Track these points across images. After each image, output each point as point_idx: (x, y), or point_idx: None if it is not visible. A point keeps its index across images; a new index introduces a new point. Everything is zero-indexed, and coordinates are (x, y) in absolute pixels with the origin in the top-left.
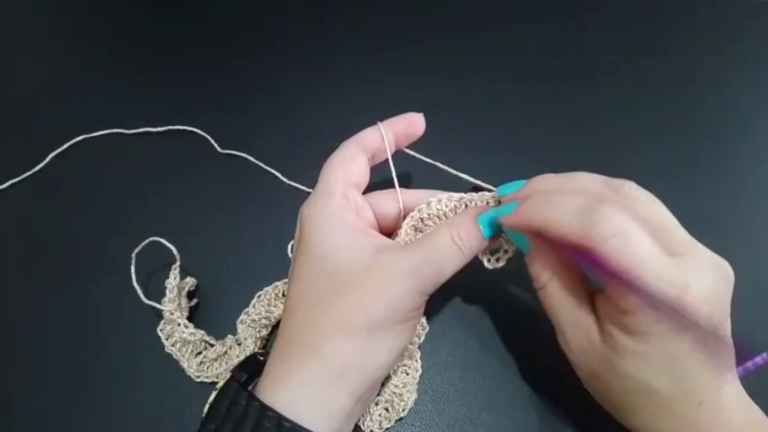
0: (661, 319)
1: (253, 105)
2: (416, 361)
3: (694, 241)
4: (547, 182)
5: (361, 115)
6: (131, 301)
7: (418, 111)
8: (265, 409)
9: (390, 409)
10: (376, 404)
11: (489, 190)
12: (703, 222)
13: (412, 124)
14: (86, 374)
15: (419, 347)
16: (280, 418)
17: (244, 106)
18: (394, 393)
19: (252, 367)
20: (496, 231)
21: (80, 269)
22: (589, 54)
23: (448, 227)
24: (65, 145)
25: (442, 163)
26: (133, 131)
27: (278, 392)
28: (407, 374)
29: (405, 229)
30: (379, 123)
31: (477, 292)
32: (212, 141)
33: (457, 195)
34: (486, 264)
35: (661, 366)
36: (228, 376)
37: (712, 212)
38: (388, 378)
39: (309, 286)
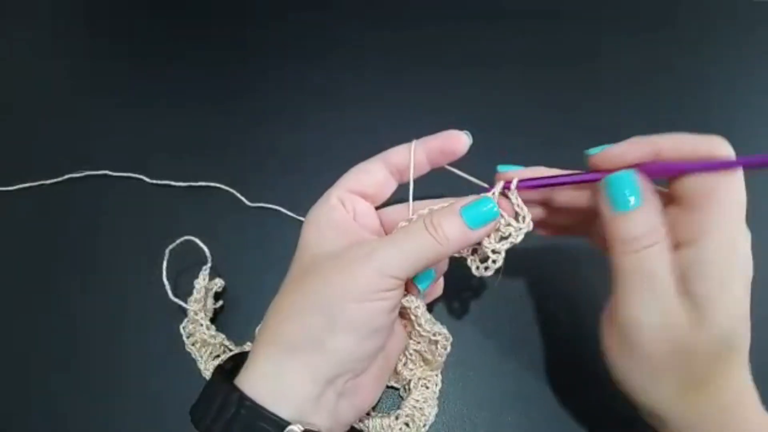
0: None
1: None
2: (437, 375)
3: None
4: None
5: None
6: (158, 297)
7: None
8: (231, 389)
9: (410, 423)
10: (396, 418)
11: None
12: None
13: (451, 141)
14: (105, 364)
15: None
16: (241, 398)
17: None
18: (415, 407)
19: (241, 358)
20: (481, 218)
21: (110, 264)
22: (591, 54)
23: (425, 216)
24: (84, 173)
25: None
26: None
27: (244, 373)
28: (427, 388)
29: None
30: (414, 141)
31: (477, 292)
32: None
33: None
34: (474, 270)
35: (742, 314)
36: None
37: None
38: (408, 392)
39: (289, 276)
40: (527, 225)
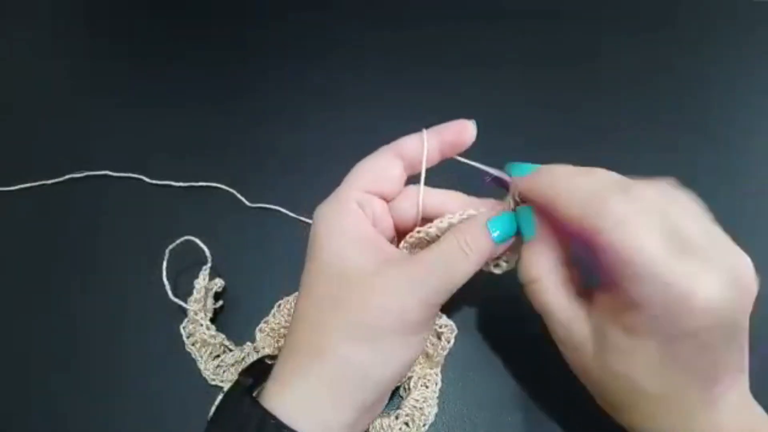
0: (653, 320)
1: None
2: (436, 374)
3: (715, 242)
4: (567, 167)
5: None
6: (157, 297)
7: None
8: (266, 415)
9: (410, 423)
10: (396, 418)
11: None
12: None
13: (461, 132)
14: (105, 364)
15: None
16: (280, 426)
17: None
18: (415, 407)
19: (259, 372)
20: (507, 236)
21: (110, 264)
22: (591, 54)
23: (455, 233)
24: (84, 173)
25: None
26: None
27: (280, 398)
28: (427, 387)
29: (415, 236)
30: (424, 130)
31: (476, 292)
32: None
33: (469, 212)
34: (483, 267)
35: (653, 368)
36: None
37: (712, 210)
38: (407, 392)
39: (316, 293)
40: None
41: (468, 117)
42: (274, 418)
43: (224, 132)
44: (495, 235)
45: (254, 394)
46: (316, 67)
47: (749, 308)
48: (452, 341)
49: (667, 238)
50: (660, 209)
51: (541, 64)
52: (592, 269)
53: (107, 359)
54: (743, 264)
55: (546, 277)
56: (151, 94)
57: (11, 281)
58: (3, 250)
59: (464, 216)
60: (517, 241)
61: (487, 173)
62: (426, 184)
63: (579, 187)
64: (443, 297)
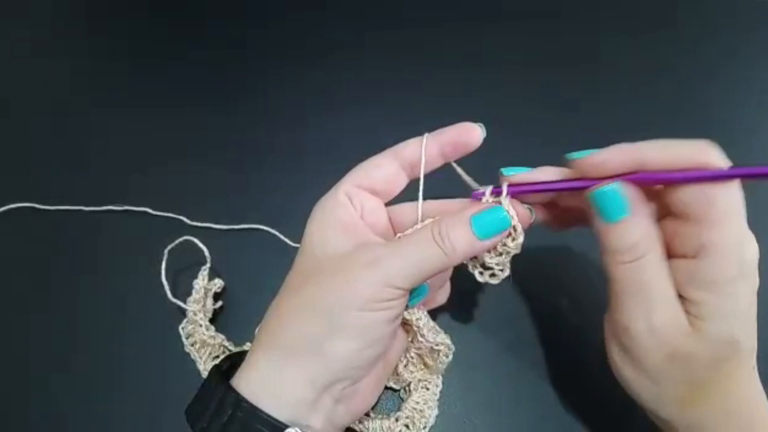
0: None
1: None
2: (437, 377)
3: None
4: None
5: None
6: (157, 297)
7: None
8: (228, 390)
9: (410, 425)
10: (396, 420)
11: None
12: None
13: (465, 134)
14: (105, 364)
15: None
16: (237, 399)
17: None
18: (415, 409)
19: (238, 358)
20: (492, 230)
21: (110, 265)
22: (591, 54)
23: (433, 224)
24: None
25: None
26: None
27: (242, 374)
28: (427, 389)
29: (409, 231)
30: (426, 134)
31: (476, 292)
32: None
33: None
34: (477, 277)
35: (748, 319)
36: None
37: None
38: (408, 394)
39: (291, 276)
40: (519, 236)
41: (467, 117)
42: (234, 391)
43: (223, 132)
44: (478, 230)
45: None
46: (316, 67)
47: None
48: (450, 357)
49: None
50: None
51: (541, 64)
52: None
53: (107, 359)
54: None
55: (653, 252)
56: (150, 93)
57: (11, 281)
58: (3, 249)
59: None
60: (511, 244)
61: (476, 190)
62: (427, 190)
63: (658, 142)
64: (408, 281)
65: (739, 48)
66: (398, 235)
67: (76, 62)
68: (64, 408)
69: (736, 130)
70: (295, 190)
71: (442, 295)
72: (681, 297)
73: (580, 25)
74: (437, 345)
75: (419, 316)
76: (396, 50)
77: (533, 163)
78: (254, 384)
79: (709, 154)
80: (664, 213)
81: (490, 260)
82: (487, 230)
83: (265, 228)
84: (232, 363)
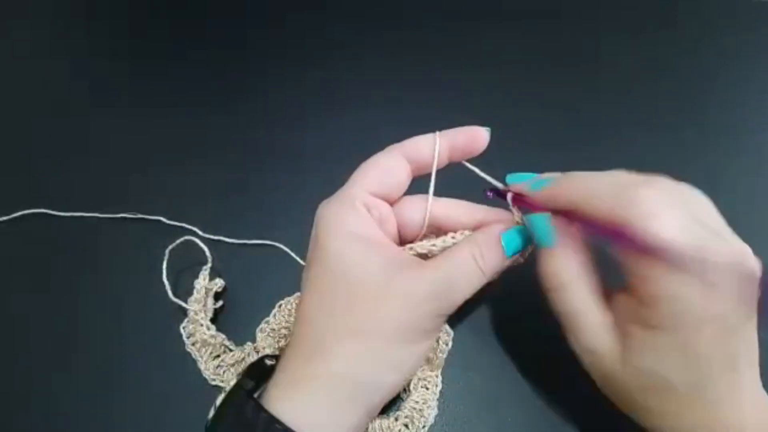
0: (678, 311)
1: None
2: (436, 376)
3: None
4: (585, 173)
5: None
6: (158, 297)
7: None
8: (272, 421)
9: (410, 425)
10: (396, 419)
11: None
12: None
13: (474, 138)
14: (105, 364)
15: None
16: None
17: None
18: (414, 409)
19: (259, 373)
20: (518, 249)
21: (110, 265)
22: (591, 54)
23: (470, 246)
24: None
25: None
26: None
27: (285, 403)
28: (427, 389)
29: (416, 250)
30: (437, 133)
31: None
32: None
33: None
34: None
35: (680, 360)
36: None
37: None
38: (407, 393)
39: (320, 295)
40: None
41: (467, 116)
42: (280, 423)
43: (223, 132)
44: (506, 248)
45: (256, 396)
46: (316, 67)
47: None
48: (449, 344)
49: (690, 228)
50: (683, 201)
51: (541, 64)
52: (615, 268)
53: (107, 359)
54: (745, 255)
55: (575, 282)
56: (149, 94)
57: (11, 281)
58: (2, 249)
59: (468, 235)
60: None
61: (488, 186)
62: (425, 188)
63: (606, 184)
64: (453, 308)
65: (739, 48)
66: (407, 246)
67: (76, 62)
68: (65, 408)
69: (736, 130)
70: (296, 191)
71: None
72: (615, 324)
73: (580, 25)
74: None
75: None
76: (396, 50)
77: (533, 163)
78: (294, 412)
79: (637, 216)
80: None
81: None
82: (514, 250)
83: (271, 242)
84: (256, 381)
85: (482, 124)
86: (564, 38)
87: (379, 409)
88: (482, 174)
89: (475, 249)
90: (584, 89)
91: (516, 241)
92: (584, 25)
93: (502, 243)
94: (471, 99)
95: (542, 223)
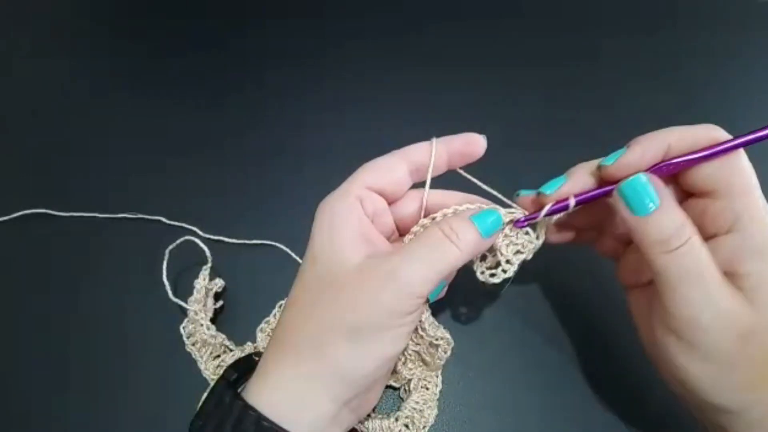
0: None
1: None
2: (437, 376)
3: None
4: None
5: None
6: (158, 298)
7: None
8: (246, 408)
9: (410, 425)
10: (396, 420)
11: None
12: None
13: (470, 144)
14: (106, 364)
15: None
16: (259, 418)
17: None
18: (415, 409)
19: (245, 367)
20: (492, 229)
21: (111, 265)
22: (591, 54)
23: (440, 223)
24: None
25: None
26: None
27: (261, 391)
28: (427, 389)
29: (415, 229)
30: (434, 139)
31: (476, 292)
32: None
33: (475, 206)
34: (478, 275)
35: None
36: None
37: None
38: (408, 394)
39: (304, 286)
40: (539, 241)
41: (468, 117)
42: (253, 410)
43: (223, 132)
44: (481, 228)
45: (240, 390)
46: (316, 67)
47: None
48: (449, 353)
49: None
50: None
51: (541, 64)
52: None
53: (107, 359)
54: None
55: (694, 237)
56: (149, 94)
57: (11, 281)
58: (2, 249)
59: (462, 209)
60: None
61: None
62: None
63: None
64: (427, 285)
65: (739, 48)
66: (406, 238)
67: (76, 62)
68: (65, 408)
69: (736, 130)
70: (296, 191)
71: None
72: (732, 276)
73: (581, 26)
74: (437, 339)
75: (422, 309)
76: (396, 50)
77: (533, 164)
78: (275, 401)
79: (717, 132)
80: (682, 197)
81: (505, 252)
82: (487, 229)
83: (270, 242)
84: (238, 373)
85: (481, 124)
86: (564, 38)
87: (365, 404)
88: (482, 185)
89: (445, 225)
90: (584, 89)
91: (486, 220)
92: (584, 25)
93: (473, 222)
94: (471, 99)
95: (642, 185)
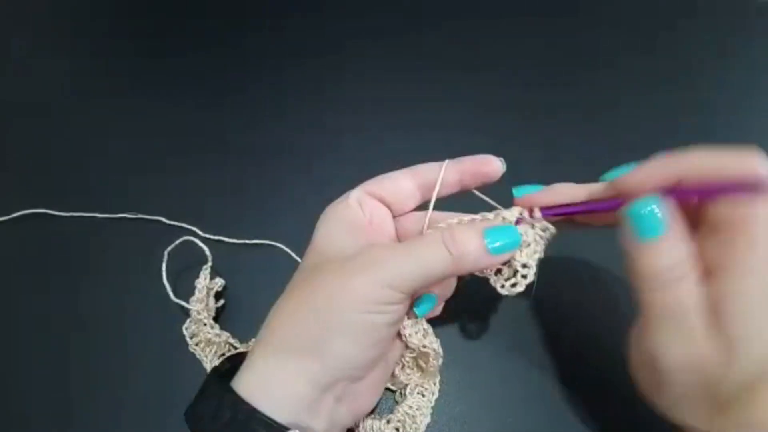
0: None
1: None
2: (434, 384)
3: None
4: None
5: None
6: (157, 299)
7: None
8: (226, 391)
9: (401, 429)
10: (388, 422)
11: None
12: None
13: (484, 165)
14: (106, 365)
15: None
16: (236, 401)
17: None
18: (407, 414)
19: (239, 359)
20: (505, 248)
21: (111, 265)
22: (591, 56)
23: (443, 230)
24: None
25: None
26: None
27: (242, 375)
28: (423, 396)
29: None
30: (447, 161)
31: (476, 292)
32: None
33: (497, 219)
34: (499, 290)
35: None
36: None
37: None
38: (403, 398)
39: (295, 275)
40: (547, 233)
41: (468, 118)
42: (232, 392)
43: (223, 132)
44: (490, 243)
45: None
46: (316, 67)
47: None
48: (439, 361)
49: None
50: None
51: (542, 66)
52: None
53: (108, 359)
54: None
55: (691, 274)
56: (149, 93)
57: (11, 281)
58: (3, 250)
59: (476, 218)
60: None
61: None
62: (438, 209)
63: (706, 151)
64: (408, 283)
65: (739, 48)
66: None
67: (76, 62)
68: (65, 409)
69: (737, 130)
70: (295, 191)
71: (435, 310)
72: (714, 325)
73: (581, 27)
74: (424, 348)
75: (404, 324)
76: (396, 50)
77: (533, 164)
78: (253, 385)
79: (753, 164)
80: (693, 224)
81: (519, 258)
82: (499, 246)
83: (271, 242)
84: (232, 364)
85: (482, 125)
86: (565, 40)
87: (347, 390)
88: (492, 202)
89: (447, 232)
90: (585, 91)
91: (500, 237)
92: (585, 26)
93: (483, 236)
94: (471, 99)
95: (651, 209)
